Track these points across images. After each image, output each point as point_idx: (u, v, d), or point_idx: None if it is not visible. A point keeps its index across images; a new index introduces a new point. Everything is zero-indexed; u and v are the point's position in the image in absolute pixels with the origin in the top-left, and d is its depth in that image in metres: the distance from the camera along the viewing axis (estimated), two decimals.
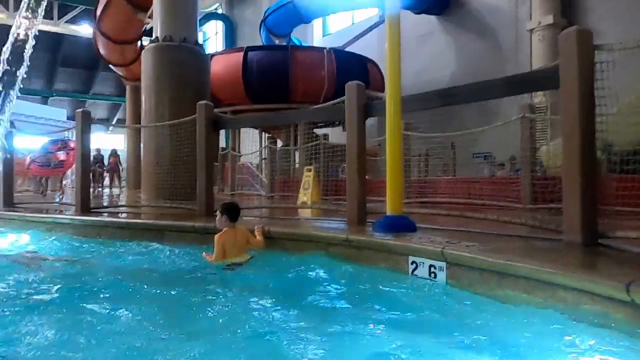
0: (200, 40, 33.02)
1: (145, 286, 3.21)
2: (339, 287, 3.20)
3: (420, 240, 3.37)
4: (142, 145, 10.00)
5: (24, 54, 4.65)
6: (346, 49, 17.76)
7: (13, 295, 3.13)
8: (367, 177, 4.92)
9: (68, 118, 40.63)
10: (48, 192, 12.15)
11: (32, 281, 3.47)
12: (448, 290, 2.89)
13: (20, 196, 9.70)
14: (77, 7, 31.10)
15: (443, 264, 2.99)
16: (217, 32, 31.66)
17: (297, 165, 11.80)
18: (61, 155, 11.14)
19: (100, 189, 16.98)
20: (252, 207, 6.25)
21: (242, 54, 16.06)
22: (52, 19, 31.51)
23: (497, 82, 3.84)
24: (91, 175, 18.15)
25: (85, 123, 6.36)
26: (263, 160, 13.70)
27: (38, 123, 21.28)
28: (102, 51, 16.09)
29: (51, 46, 35.43)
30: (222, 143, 17.30)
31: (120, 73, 17.28)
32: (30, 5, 4.53)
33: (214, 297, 2.99)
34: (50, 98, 37.42)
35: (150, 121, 9.40)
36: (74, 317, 2.57)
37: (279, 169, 11.63)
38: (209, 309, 2.71)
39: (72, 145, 9.69)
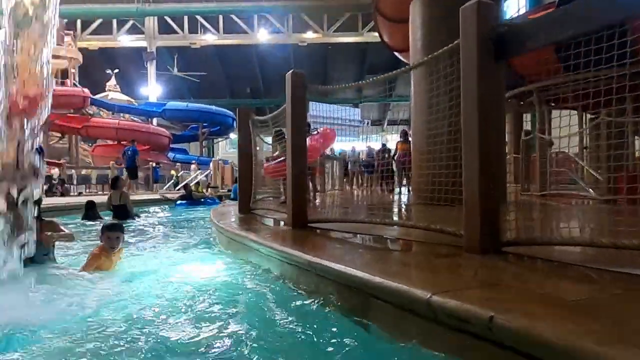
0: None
1: None
2: None
3: None
4: (411, 131, 7.35)
5: None
6: None
7: None
8: None
9: (372, 121, 42.46)
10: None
11: None
12: None
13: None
14: None
15: None
16: None
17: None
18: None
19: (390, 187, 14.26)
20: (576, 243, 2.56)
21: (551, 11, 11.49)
22: (357, 30, 32.79)
23: None
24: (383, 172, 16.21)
25: (298, 88, 3.99)
26: (584, 150, 9.14)
27: (345, 125, 21.81)
28: (385, 38, 14.25)
29: (359, 57, 37.37)
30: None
31: (406, 61, 15.25)
32: None
33: None
34: (360, 104, 39.50)
35: (420, 102, 6.64)
36: None
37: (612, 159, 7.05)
38: None
39: (319, 129, 7.19)
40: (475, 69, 2.50)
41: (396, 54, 15.56)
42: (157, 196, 14.87)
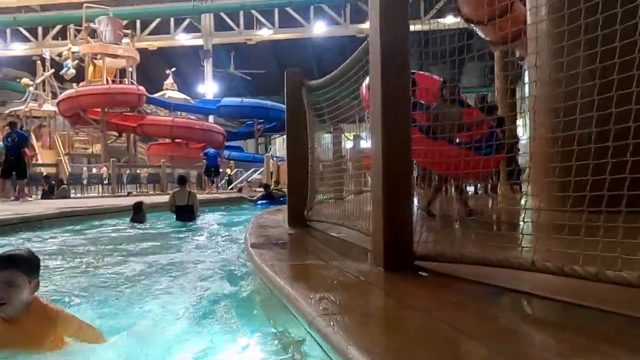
0: None
1: None
2: None
3: None
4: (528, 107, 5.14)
5: None
6: None
7: None
8: None
9: None
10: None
11: None
12: None
13: None
14: None
15: None
16: None
17: None
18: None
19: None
20: None
21: None
22: (418, 18, 30.25)
23: None
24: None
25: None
26: None
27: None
28: (465, 9, 11.95)
29: (419, 45, 34.74)
30: None
31: (485, 37, 12.87)
32: None
33: None
34: None
35: (550, 65, 4.48)
36: None
37: None
38: None
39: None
40: None
41: (476, 29, 13.24)
42: (227, 195, 14.05)
